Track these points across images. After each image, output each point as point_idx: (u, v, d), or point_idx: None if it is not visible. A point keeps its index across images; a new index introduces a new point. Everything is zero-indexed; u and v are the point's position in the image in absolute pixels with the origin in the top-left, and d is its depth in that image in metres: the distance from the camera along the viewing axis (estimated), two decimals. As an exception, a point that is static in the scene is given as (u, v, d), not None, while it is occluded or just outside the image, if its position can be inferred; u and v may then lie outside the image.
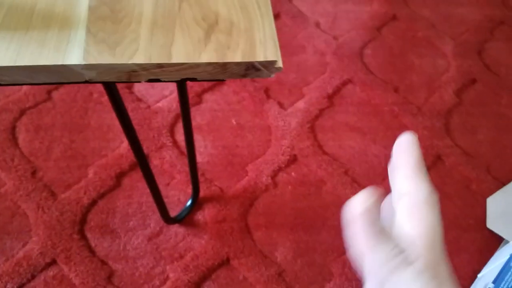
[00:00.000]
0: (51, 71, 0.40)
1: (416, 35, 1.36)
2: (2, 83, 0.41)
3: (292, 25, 1.34)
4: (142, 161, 0.72)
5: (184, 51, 0.41)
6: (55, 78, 0.41)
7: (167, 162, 1.05)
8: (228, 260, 0.90)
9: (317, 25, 1.34)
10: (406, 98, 1.20)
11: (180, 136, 1.10)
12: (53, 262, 0.88)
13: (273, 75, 0.44)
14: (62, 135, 1.07)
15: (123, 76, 0.41)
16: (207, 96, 1.19)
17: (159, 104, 1.15)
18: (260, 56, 0.42)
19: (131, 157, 1.04)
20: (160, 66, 0.41)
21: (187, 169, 1.04)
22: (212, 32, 0.43)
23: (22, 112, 1.11)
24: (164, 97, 1.16)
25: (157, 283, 0.87)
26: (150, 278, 0.88)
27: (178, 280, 0.87)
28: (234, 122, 1.14)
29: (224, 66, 0.42)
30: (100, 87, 1.17)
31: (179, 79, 0.43)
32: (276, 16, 1.35)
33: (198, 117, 1.14)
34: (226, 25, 0.44)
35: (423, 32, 1.37)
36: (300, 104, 1.17)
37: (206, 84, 1.19)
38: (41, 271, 0.87)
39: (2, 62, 0.39)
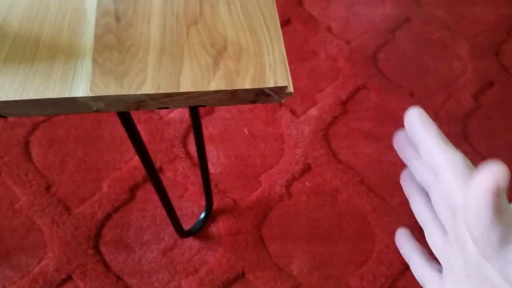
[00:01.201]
0: (58, 104, 0.39)
1: (430, 38, 1.33)
2: (8, 116, 0.40)
3: (303, 30, 1.32)
4: (154, 178, 0.72)
5: (192, 79, 0.40)
6: (62, 110, 0.40)
7: (180, 173, 1.04)
8: (243, 273, 0.89)
9: (329, 29, 1.32)
10: (422, 103, 1.17)
11: (193, 147, 1.09)
12: (69, 278, 0.89)
13: (283, 101, 0.43)
14: (75, 148, 1.08)
15: (131, 106, 0.41)
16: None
17: (171, 115, 1.15)
18: (270, 82, 0.41)
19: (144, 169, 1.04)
20: (168, 95, 0.40)
21: (200, 180, 1.03)
22: (220, 59, 0.42)
23: (35, 126, 1.11)
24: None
25: (172, 298, 0.87)
26: (165, 293, 0.87)
27: (193, 295, 0.86)
28: (246, 131, 1.13)
29: (233, 93, 0.41)
30: (112, 99, 1.16)
31: (187, 106, 0.42)
32: (287, 22, 1.33)
33: (210, 126, 1.13)
34: (235, 50, 0.42)
35: (437, 34, 1.34)
36: (313, 112, 1.15)
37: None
38: (57, 287, 0.88)
39: (7, 96, 0.38)
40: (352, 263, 0.91)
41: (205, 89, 0.40)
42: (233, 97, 0.41)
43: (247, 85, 0.40)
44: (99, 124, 1.13)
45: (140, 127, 1.11)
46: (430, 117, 1.12)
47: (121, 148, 1.09)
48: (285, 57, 0.43)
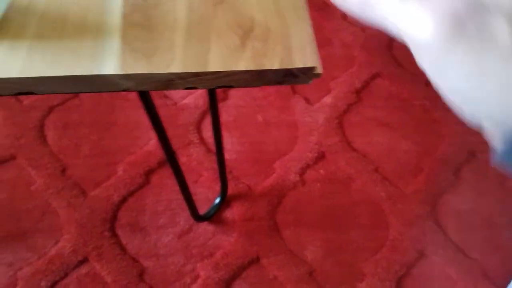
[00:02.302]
0: (87, 81, 0.39)
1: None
2: (38, 93, 0.40)
3: (318, 17, 1.31)
4: (172, 161, 0.72)
5: (221, 59, 0.40)
6: (91, 88, 0.40)
7: (194, 159, 1.05)
8: (258, 258, 0.90)
9: (344, 17, 1.31)
10: (437, 92, 1.16)
11: (207, 133, 1.10)
12: (85, 260, 0.90)
13: (311, 82, 0.43)
14: (90, 133, 1.08)
15: (160, 85, 0.41)
16: (233, 92, 1.18)
17: (185, 101, 1.15)
18: (299, 62, 0.41)
19: (159, 154, 1.05)
20: (196, 75, 0.40)
21: (214, 166, 1.04)
22: (248, 39, 0.42)
23: (51, 110, 1.12)
24: (190, 93, 1.16)
25: (188, 280, 0.87)
26: (181, 275, 0.88)
27: (208, 278, 0.87)
28: (260, 118, 1.13)
29: (261, 73, 0.41)
30: (126, 84, 1.17)
31: (214, 86, 0.42)
32: (302, 9, 1.32)
33: (224, 113, 1.13)
34: (262, 31, 0.42)
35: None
36: (328, 99, 1.15)
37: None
38: (74, 268, 0.89)
39: (38, 72, 0.38)
40: (366, 250, 0.91)
41: (233, 68, 0.40)
42: (260, 77, 0.41)
43: (276, 66, 0.40)
44: (113, 110, 1.13)
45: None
46: (445, 106, 1.12)
47: (135, 133, 1.09)
48: (313, 38, 0.43)
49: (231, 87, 0.43)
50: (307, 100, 1.15)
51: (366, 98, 1.15)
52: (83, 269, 0.89)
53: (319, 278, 0.87)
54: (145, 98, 0.58)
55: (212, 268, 0.89)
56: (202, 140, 1.08)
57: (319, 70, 0.41)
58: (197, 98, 1.15)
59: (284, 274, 0.88)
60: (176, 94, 1.15)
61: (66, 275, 0.88)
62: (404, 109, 1.13)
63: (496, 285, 0.86)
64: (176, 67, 0.39)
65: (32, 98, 1.14)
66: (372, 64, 1.21)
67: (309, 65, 0.40)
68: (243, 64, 0.40)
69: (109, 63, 0.39)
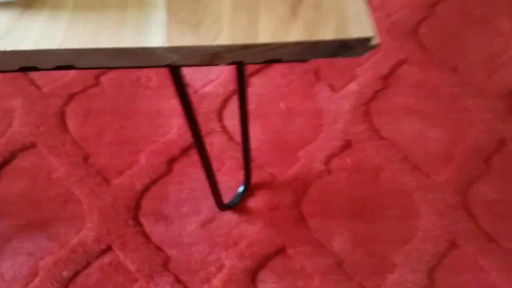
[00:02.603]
0: (132, 54, 0.37)
1: (472, 13, 1.28)
2: (79, 66, 0.38)
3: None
4: (199, 145, 0.70)
5: (271, 30, 0.38)
6: (135, 62, 0.38)
7: (216, 147, 1.02)
8: (284, 248, 0.88)
9: (368, 2, 1.28)
10: (466, 79, 1.13)
11: (229, 121, 1.07)
12: (109, 249, 0.88)
13: (365, 54, 0.40)
14: (112, 121, 1.06)
15: (206, 59, 0.38)
16: (254, 80, 1.15)
17: (206, 89, 1.13)
18: (355, 32, 0.38)
19: (181, 142, 1.03)
20: (245, 47, 0.38)
21: (237, 154, 1.01)
22: (299, 8, 0.39)
23: (71, 98, 1.10)
24: (211, 81, 1.14)
25: (213, 270, 0.86)
26: (206, 265, 0.86)
27: (234, 267, 0.85)
28: (283, 106, 1.10)
29: (314, 45, 0.38)
30: (147, 71, 1.15)
31: (263, 60, 0.40)
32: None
33: (246, 101, 1.11)
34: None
35: (479, 10, 1.28)
36: (353, 86, 1.12)
37: (253, 67, 1.16)
38: (97, 258, 0.87)
39: (80, 44, 0.36)
40: (396, 240, 0.88)
41: (284, 39, 0.37)
42: (313, 49, 0.39)
43: (330, 36, 0.38)
44: (134, 97, 1.11)
45: (175, 101, 1.09)
46: (475, 93, 1.09)
47: (157, 121, 1.07)
48: (367, 8, 0.40)
49: (279, 61, 0.40)
50: (331, 87, 1.12)
51: (393, 85, 1.12)
52: (106, 258, 0.87)
53: (348, 269, 0.85)
54: (176, 76, 0.55)
55: (237, 257, 0.87)
56: (224, 128, 1.06)
57: (376, 40, 0.38)
58: (217, 86, 1.13)
59: (311, 265, 0.85)
60: (197, 82, 1.13)
61: (88, 264, 0.87)
62: (433, 96, 1.10)
63: (532, 277, 0.83)
64: (224, 39, 0.37)
65: (51, 85, 1.13)
66: (398, 50, 1.18)
67: (365, 35, 0.38)
68: (294, 34, 0.38)
69: (155, 35, 0.37)
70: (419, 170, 0.98)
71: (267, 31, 0.38)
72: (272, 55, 0.39)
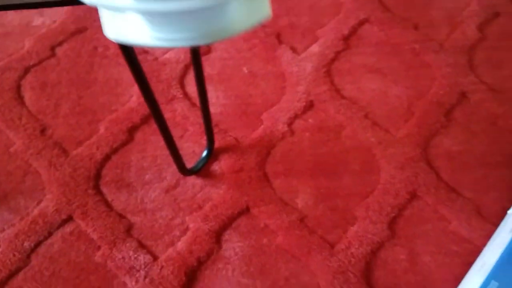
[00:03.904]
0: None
1: (434, -30, 1.27)
2: None
3: (302, -35, 1.26)
4: (156, 113, 0.69)
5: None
6: None
7: (179, 114, 1.01)
8: (248, 208, 0.88)
9: (329, -36, 1.26)
10: (427, 35, 1.13)
11: (191, 88, 1.06)
12: (70, 219, 0.87)
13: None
14: (69, 92, 1.04)
15: None
16: (216, 45, 1.13)
17: (167, 56, 1.11)
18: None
19: (142, 111, 1.01)
20: None
21: (200, 120, 1.00)
22: None
23: (27, 70, 1.07)
24: (171, 48, 1.11)
25: (178, 233, 0.85)
26: (170, 229, 0.86)
27: (198, 229, 0.85)
28: (246, 70, 1.09)
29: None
30: (104, 40, 1.12)
31: None
32: (285, -43, 1.27)
33: (208, 67, 1.10)
34: None
35: (441, -34, 1.28)
36: (315, 48, 1.11)
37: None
38: (58, 227, 0.86)
39: None
40: (358, 195, 0.89)
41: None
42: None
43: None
44: (91, 67, 1.08)
45: (135, 68, 1.07)
46: (436, 49, 1.09)
47: (116, 90, 1.05)
48: None
49: None
50: (293, 50, 1.11)
51: (355, 45, 1.11)
52: (68, 228, 0.86)
53: (311, 224, 0.85)
54: (127, 51, 0.54)
55: (202, 220, 0.86)
56: (186, 95, 1.05)
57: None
58: (178, 52, 1.11)
59: (275, 222, 0.86)
60: (157, 49, 1.11)
61: (50, 234, 0.85)
62: (394, 54, 1.10)
63: (490, 223, 0.85)
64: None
65: (6, 59, 1.09)
66: (360, 10, 1.17)
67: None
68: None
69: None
70: (380, 127, 0.98)
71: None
72: None
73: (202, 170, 0.94)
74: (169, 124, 0.98)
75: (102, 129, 0.98)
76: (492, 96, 1.02)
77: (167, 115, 1.01)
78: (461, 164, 0.93)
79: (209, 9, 0.35)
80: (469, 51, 1.11)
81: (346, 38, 1.13)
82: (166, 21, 0.38)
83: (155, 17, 0.37)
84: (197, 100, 1.03)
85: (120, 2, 0.33)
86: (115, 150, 0.96)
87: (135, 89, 1.04)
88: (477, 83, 1.05)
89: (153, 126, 0.99)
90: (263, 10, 0.39)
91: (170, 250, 0.84)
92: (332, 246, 0.83)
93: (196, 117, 1.01)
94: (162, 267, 0.82)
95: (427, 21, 1.16)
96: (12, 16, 1.21)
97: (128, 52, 0.56)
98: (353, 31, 1.14)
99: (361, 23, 1.15)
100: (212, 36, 0.39)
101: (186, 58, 1.10)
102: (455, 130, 0.98)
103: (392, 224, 0.85)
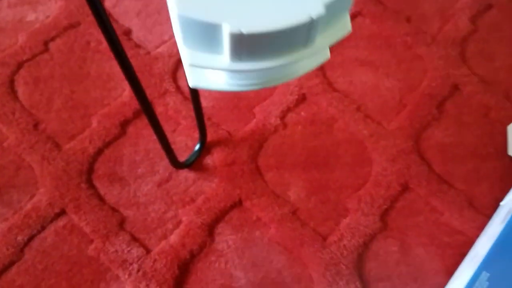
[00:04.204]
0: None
1: (427, -37, 1.27)
2: None
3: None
4: (146, 107, 0.69)
5: None
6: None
7: (171, 108, 1.01)
8: (240, 201, 0.88)
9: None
10: (419, 28, 1.13)
11: (183, 82, 1.06)
12: (63, 212, 0.87)
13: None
14: (62, 86, 1.04)
15: None
16: (209, 40, 1.13)
17: (159, 50, 1.11)
18: None
19: (134, 104, 1.01)
20: None
21: (192, 114, 1.00)
22: None
23: (20, 65, 1.07)
24: (164, 42, 1.12)
25: (170, 226, 0.86)
26: (162, 222, 0.86)
27: (191, 222, 0.85)
28: (239, 64, 1.09)
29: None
30: (97, 35, 1.12)
31: None
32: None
33: (201, 61, 1.09)
34: None
35: (435, -41, 1.28)
36: (307, 41, 1.11)
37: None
38: (51, 221, 0.86)
39: None
40: (350, 187, 0.89)
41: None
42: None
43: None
44: (84, 62, 1.08)
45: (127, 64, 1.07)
46: (428, 41, 1.09)
47: (108, 85, 1.05)
48: None
49: None
50: (285, 43, 1.11)
51: (347, 38, 1.11)
52: (61, 222, 0.86)
53: (303, 216, 0.86)
54: (116, 48, 0.54)
55: (194, 213, 0.87)
56: (178, 88, 1.05)
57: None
58: (170, 46, 1.11)
59: (267, 215, 0.86)
60: (149, 43, 1.11)
61: (43, 228, 0.86)
62: (386, 47, 1.10)
63: (482, 214, 0.85)
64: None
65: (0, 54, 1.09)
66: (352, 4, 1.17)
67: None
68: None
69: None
70: (372, 119, 0.98)
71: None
72: None
73: (194, 163, 0.94)
74: (162, 118, 0.99)
75: (94, 123, 0.98)
76: (484, 88, 1.03)
77: (159, 109, 1.01)
78: (453, 156, 0.93)
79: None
80: (461, 43, 1.11)
81: (339, 31, 1.13)
82: (247, 74, 0.41)
83: (241, 73, 0.41)
84: (189, 94, 1.03)
85: (218, 64, 0.35)
86: (107, 144, 0.96)
87: (128, 83, 1.04)
88: (469, 75, 1.05)
89: (145, 120, 0.99)
90: (325, 55, 0.42)
91: (163, 243, 0.84)
92: (324, 238, 0.84)
93: (188, 110, 1.01)
94: (155, 260, 0.82)
95: (419, 14, 1.16)
96: (5, 11, 1.20)
97: (116, 46, 0.55)
98: (346, 24, 1.14)
99: (354, 16, 1.15)
100: (279, 80, 0.43)
101: (179, 52, 1.10)
102: (447, 122, 0.98)
103: (384, 216, 0.86)
